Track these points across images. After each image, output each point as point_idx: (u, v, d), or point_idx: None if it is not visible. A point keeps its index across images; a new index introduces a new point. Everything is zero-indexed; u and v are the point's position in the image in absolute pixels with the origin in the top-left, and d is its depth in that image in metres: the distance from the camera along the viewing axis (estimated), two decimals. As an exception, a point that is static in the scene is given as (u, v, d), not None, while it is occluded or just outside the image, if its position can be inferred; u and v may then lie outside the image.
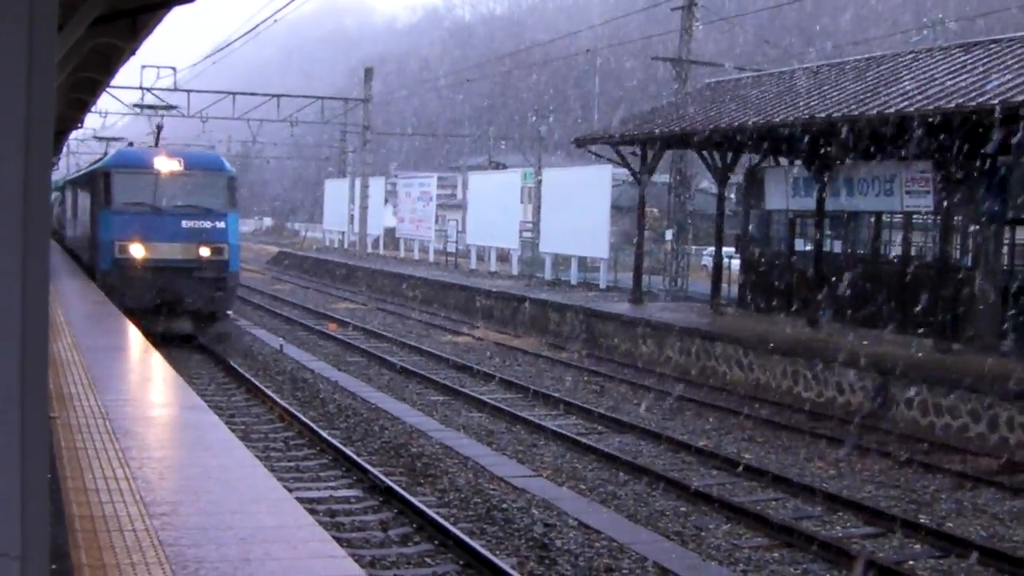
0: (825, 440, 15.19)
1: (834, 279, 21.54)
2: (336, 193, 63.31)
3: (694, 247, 38.96)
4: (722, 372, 20.73)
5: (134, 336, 15.19)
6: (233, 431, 9.88)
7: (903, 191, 20.32)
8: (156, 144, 25.93)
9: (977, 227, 19.37)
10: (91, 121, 59.98)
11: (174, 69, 39.81)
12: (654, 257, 38.63)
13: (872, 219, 23.00)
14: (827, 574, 9.65)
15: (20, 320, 2.04)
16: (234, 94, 43.92)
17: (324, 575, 5.56)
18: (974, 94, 16.40)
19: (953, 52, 20.38)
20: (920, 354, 17.56)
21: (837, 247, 23.90)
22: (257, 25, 35.34)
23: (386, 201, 58.81)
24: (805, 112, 19.90)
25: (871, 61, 22.97)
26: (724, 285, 26.87)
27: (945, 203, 18.89)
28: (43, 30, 2.05)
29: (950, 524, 11.16)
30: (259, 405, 16.64)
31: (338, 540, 7.65)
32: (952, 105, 16.44)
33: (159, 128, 26.75)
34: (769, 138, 22.35)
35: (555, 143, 67.64)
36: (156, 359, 13.09)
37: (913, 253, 22.35)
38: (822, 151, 21.16)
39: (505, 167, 59.48)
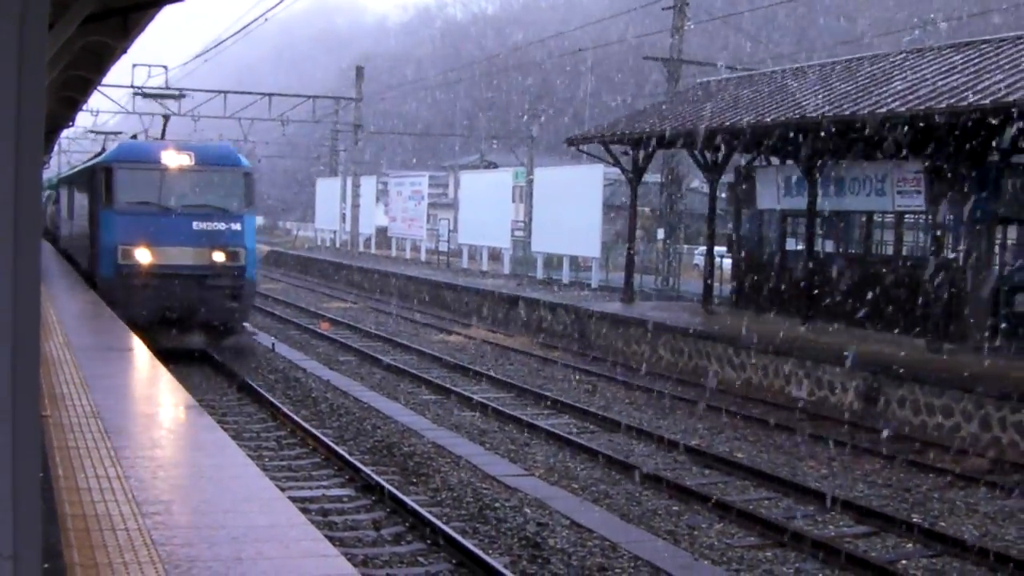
0: (817, 439, 15.22)
1: (825, 279, 21.58)
2: (328, 192, 63.27)
3: (686, 246, 38.99)
4: (714, 371, 20.74)
5: (126, 335, 15.16)
6: (225, 430, 9.87)
7: (894, 190, 20.35)
8: (163, 137, 23.84)
9: (969, 226, 19.41)
10: (82, 119, 59.77)
11: (165, 68, 39.77)
12: (646, 256, 38.64)
13: (863, 219, 23.02)
14: (820, 573, 9.67)
15: (11, 319, 2.03)
16: (225, 93, 43.89)
17: (317, 574, 5.56)
18: (966, 94, 16.43)
19: (944, 52, 20.42)
20: (908, 354, 17.58)
21: (829, 247, 23.93)
22: (248, 24, 35.30)
23: (378, 200, 58.76)
24: (796, 112, 19.93)
25: (862, 61, 23.01)
26: (716, 284, 26.90)
27: (936, 202, 18.92)
28: (34, 28, 2.04)
29: (943, 523, 11.18)
30: (251, 404, 16.62)
31: (330, 539, 7.64)
32: (943, 105, 16.47)
33: (166, 119, 25.17)
34: (761, 137, 22.36)
35: (547, 142, 67.62)
36: (148, 358, 13.07)
37: (905, 252, 22.38)
38: (813, 151, 21.17)
39: (497, 166, 59.41)
